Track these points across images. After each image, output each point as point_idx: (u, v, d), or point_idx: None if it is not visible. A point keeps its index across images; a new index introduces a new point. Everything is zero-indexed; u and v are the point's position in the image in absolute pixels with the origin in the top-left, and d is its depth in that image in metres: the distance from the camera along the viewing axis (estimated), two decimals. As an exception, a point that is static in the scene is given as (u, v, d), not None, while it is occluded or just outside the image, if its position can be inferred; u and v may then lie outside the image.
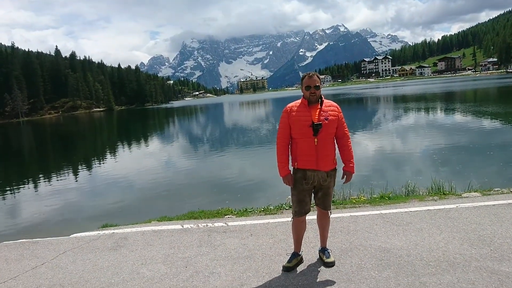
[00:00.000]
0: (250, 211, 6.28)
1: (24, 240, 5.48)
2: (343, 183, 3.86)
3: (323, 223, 3.90)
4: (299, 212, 3.70)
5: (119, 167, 15.39)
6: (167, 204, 9.03)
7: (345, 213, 5.47)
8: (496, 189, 6.42)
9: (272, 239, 4.62)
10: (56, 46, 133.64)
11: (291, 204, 4.05)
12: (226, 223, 5.45)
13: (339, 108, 3.74)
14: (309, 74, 3.65)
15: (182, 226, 5.46)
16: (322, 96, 3.67)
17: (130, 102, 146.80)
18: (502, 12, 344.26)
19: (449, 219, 4.79)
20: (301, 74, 3.68)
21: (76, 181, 13.00)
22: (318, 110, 3.57)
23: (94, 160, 18.66)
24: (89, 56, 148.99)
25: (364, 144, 15.81)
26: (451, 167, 10.63)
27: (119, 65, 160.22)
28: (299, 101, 3.68)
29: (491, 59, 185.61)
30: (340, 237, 4.47)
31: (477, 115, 22.05)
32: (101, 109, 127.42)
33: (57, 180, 13.40)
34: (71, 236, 5.49)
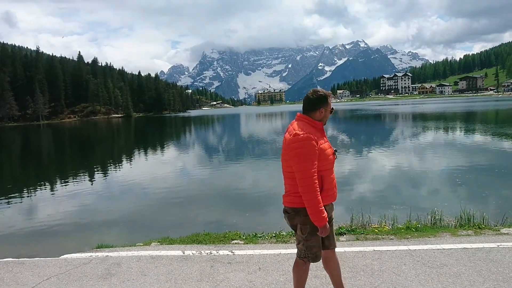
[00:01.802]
0: (260, 237, 5.68)
1: (10, 259, 4.99)
2: None
3: (334, 266, 3.20)
4: (318, 257, 3.03)
5: (127, 177, 14.95)
6: (172, 221, 8.47)
7: (368, 247, 4.82)
8: (539, 225, 5.69)
9: (284, 276, 4.01)
10: (79, 51, 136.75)
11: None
12: (232, 251, 4.86)
13: None
14: (331, 94, 3.09)
15: (183, 253, 4.88)
16: None
17: (148, 110, 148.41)
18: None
19: (492, 263, 4.11)
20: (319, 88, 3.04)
21: (81, 190, 12.53)
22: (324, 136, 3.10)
23: (103, 168, 18.30)
24: (110, 63, 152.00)
25: (384, 164, 15.04)
26: (479, 193, 9.80)
27: (139, 72, 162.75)
28: (306, 125, 2.98)
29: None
30: (363, 279, 3.83)
31: (501, 138, 21.03)
32: (119, 115, 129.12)
33: (61, 189, 13.01)
34: (61, 257, 4.96)
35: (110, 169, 17.77)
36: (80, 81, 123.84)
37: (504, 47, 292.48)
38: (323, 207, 2.82)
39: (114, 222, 8.53)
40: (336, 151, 3.05)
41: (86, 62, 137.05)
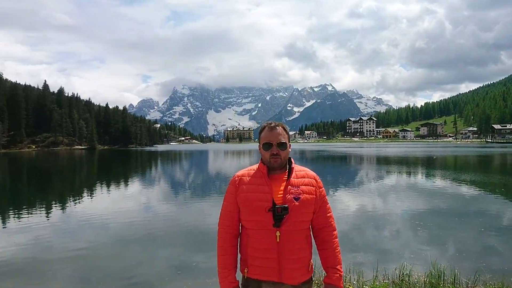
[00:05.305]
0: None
1: None
2: None
3: None
4: None
5: (75, 214, 13.86)
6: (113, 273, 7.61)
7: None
8: (513, 286, 5.35)
9: None
10: (45, 80, 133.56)
11: None
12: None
13: (319, 180, 2.39)
14: (270, 124, 2.46)
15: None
16: (292, 161, 2.37)
17: (113, 142, 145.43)
18: (481, 85, 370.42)
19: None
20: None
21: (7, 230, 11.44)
22: (285, 184, 2.26)
23: (50, 203, 17.04)
24: (77, 93, 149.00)
25: (350, 207, 14.70)
26: (447, 242, 9.52)
27: (107, 104, 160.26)
28: (255, 167, 2.39)
29: (471, 128, 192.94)
30: None
31: (461, 183, 21.37)
32: (83, 147, 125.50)
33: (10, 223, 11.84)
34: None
35: (59, 204, 16.52)
36: (44, 111, 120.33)
37: (461, 97, 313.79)
38: (227, 266, 2.25)
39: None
40: (281, 207, 2.15)
41: (52, 91, 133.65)
